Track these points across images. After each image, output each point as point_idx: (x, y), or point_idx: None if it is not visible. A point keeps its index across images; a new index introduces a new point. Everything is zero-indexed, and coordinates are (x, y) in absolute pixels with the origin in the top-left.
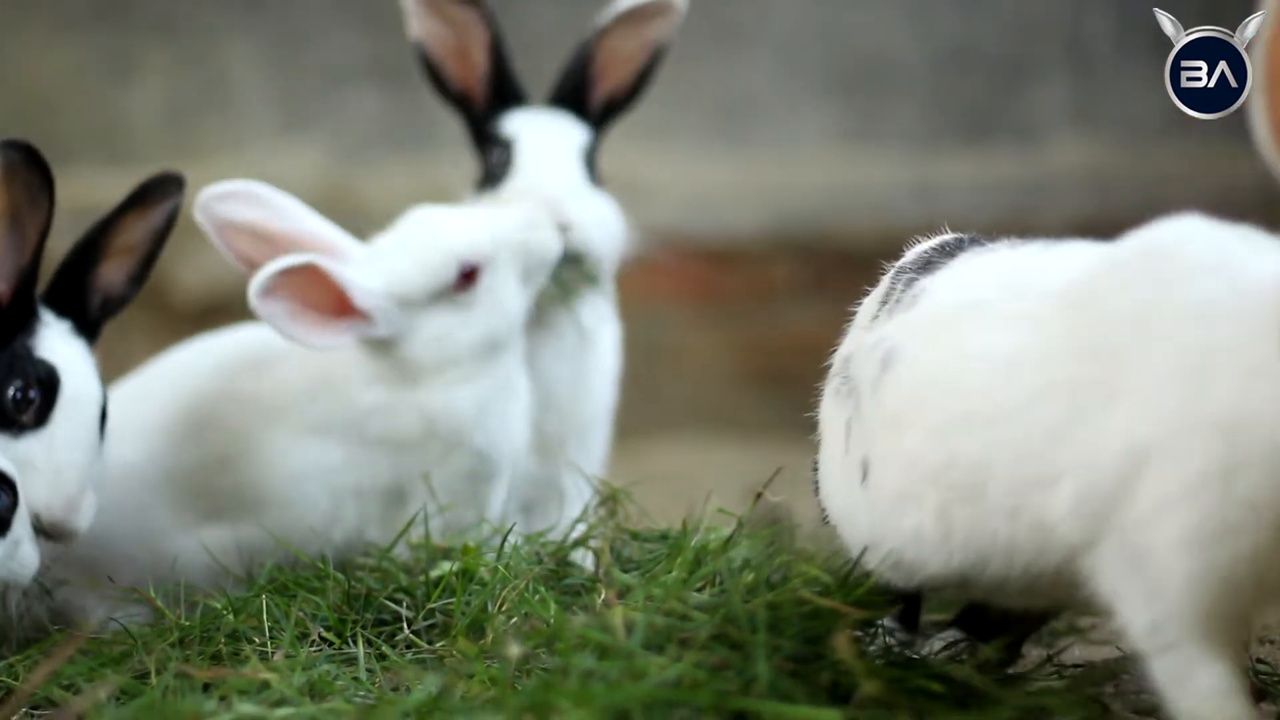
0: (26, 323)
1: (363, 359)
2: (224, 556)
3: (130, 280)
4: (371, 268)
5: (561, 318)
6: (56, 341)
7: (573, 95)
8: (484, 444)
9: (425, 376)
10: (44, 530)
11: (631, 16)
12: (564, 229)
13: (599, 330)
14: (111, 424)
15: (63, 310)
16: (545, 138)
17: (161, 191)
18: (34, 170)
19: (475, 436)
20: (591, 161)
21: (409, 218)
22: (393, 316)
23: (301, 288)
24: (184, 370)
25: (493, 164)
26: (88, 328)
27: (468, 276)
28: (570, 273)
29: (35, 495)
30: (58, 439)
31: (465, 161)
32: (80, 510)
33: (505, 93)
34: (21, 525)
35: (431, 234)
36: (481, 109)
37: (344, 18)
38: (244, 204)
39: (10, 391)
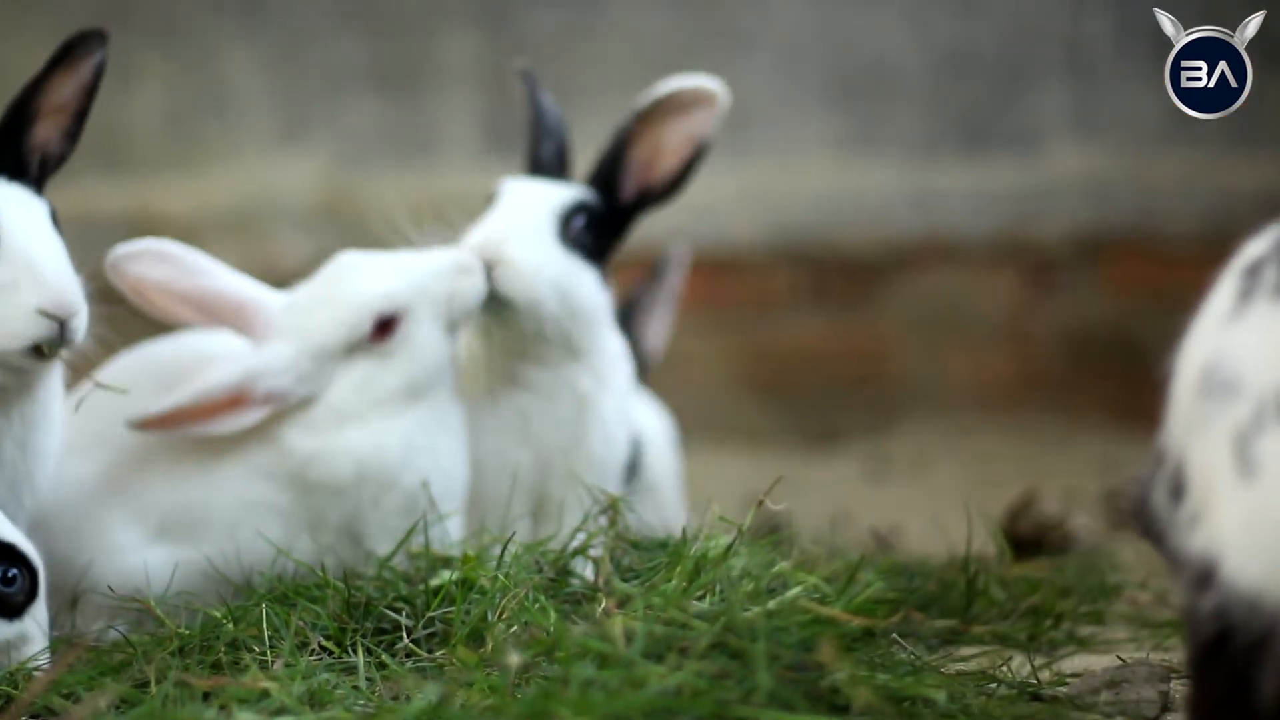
0: None
1: (295, 408)
2: (174, 577)
3: (65, 137)
4: (284, 328)
5: (555, 383)
6: None
7: (606, 178)
8: (413, 483)
9: (351, 421)
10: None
11: (672, 104)
12: (491, 265)
13: (598, 395)
14: (66, 435)
15: (2, 172)
16: (523, 193)
17: (85, 48)
18: None
19: (404, 476)
20: (577, 227)
21: (330, 266)
22: (307, 377)
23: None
24: (126, 381)
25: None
26: (30, 187)
27: (384, 327)
28: (494, 318)
29: (29, 301)
30: (15, 250)
31: (463, 168)
32: (74, 287)
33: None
34: (35, 621)
35: (347, 286)
36: None
37: (344, 24)
38: (154, 262)
39: None
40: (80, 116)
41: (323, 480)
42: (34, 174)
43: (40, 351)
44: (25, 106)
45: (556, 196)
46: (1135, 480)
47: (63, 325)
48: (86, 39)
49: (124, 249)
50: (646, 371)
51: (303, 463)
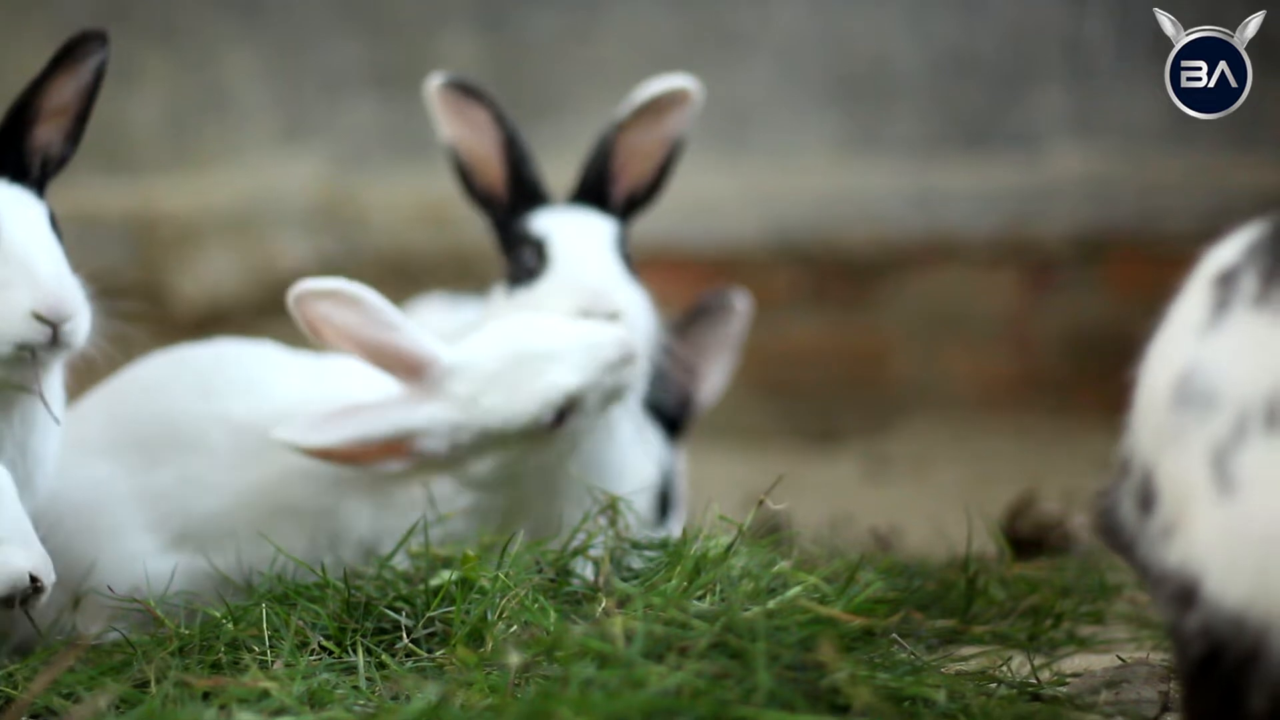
0: None
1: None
2: (191, 584)
3: (67, 139)
4: (456, 395)
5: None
6: None
7: (595, 191)
8: None
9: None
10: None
11: (648, 109)
12: (613, 316)
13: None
14: (83, 432)
15: (3, 174)
16: (578, 232)
17: (85, 49)
18: None
19: None
20: (625, 253)
21: (508, 330)
22: (463, 447)
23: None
24: (162, 383)
25: (525, 263)
26: (31, 189)
27: (559, 420)
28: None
29: (22, 302)
30: (11, 250)
31: None
32: (70, 291)
33: (526, 192)
34: (11, 524)
35: (533, 374)
36: (503, 210)
37: (343, 26)
38: (341, 306)
39: None
40: (81, 118)
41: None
42: (35, 176)
43: (31, 354)
44: (26, 108)
45: (604, 231)
46: (1099, 491)
47: (55, 329)
48: (86, 40)
49: (313, 285)
50: (689, 421)
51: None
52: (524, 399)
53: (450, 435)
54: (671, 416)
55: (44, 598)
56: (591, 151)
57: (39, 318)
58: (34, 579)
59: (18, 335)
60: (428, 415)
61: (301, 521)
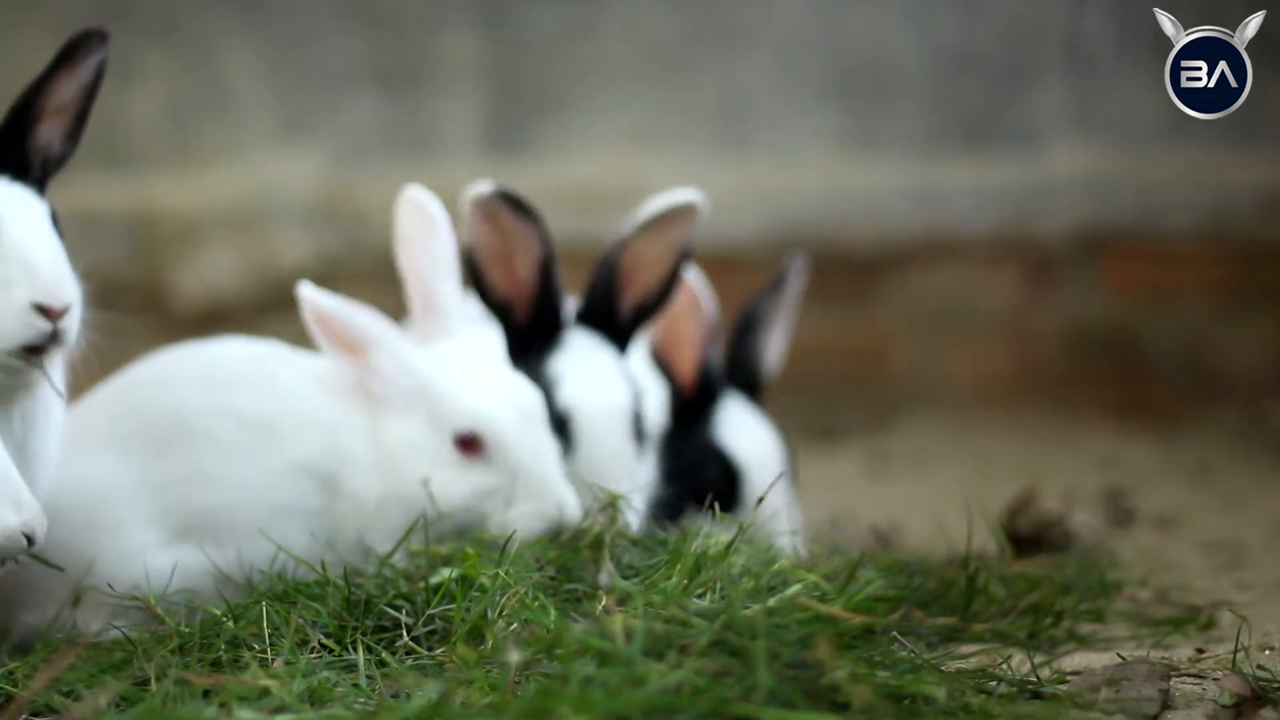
0: None
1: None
2: (191, 579)
3: (67, 138)
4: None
5: None
6: None
7: (602, 306)
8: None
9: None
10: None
11: (654, 224)
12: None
13: None
14: (87, 428)
15: (4, 172)
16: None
17: (86, 48)
18: None
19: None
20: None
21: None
22: (405, 407)
23: None
24: (169, 377)
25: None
26: (32, 188)
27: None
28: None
29: (22, 296)
30: (11, 246)
31: (463, 167)
32: (68, 282)
33: (548, 317)
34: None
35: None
36: (521, 324)
37: (344, 22)
38: None
39: None
40: (82, 117)
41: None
42: (37, 174)
43: (35, 351)
44: (28, 108)
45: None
46: None
47: (56, 325)
48: (87, 39)
49: None
50: (761, 389)
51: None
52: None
53: (405, 393)
54: (749, 382)
55: (37, 546)
56: (598, 266)
57: (39, 308)
58: (28, 537)
59: (22, 332)
60: (406, 364)
61: (305, 518)
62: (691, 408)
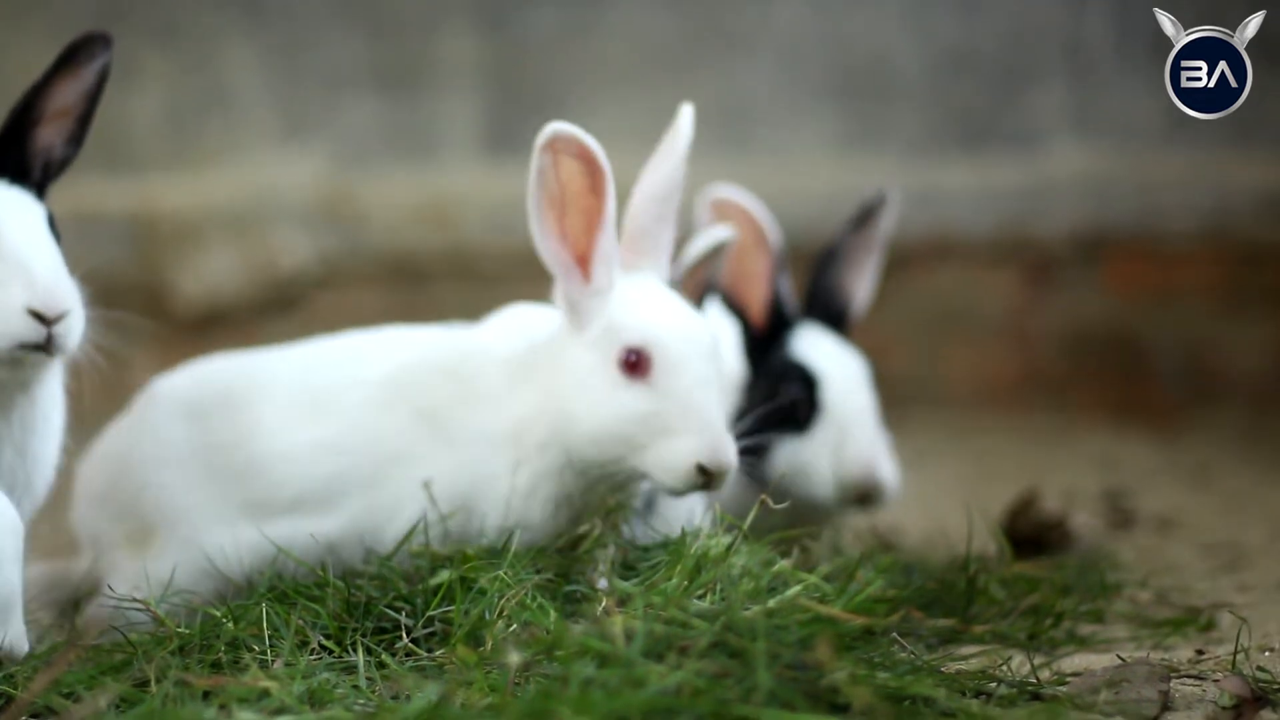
0: None
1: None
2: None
3: (69, 141)
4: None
5: None
6: None
7: None
8: None
9: None
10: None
11: (697, 265)
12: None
13: None
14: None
15: (4, 175)
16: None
17: (89, 51)
18: None
19: None
20: None
21: None
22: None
23: None
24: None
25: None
26: (32, 191)
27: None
28: None
29: (17, 299)
30: (8, 249)
31: (463, 168)
32: (65, 289)
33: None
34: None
35: None
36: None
37: (344, 24)
38: None
39: None
40: (84, 120)
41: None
42: (37, 177)
43: (33, 349)
44: (29, 110)
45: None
46: None
47: (50, 330)
48: (91, 42)
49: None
50: (847, 323)
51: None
52: None
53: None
54: (832, 317)
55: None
56: None
57: (34, 314)
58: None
59: (15, 333)
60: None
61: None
62: (765, 342)
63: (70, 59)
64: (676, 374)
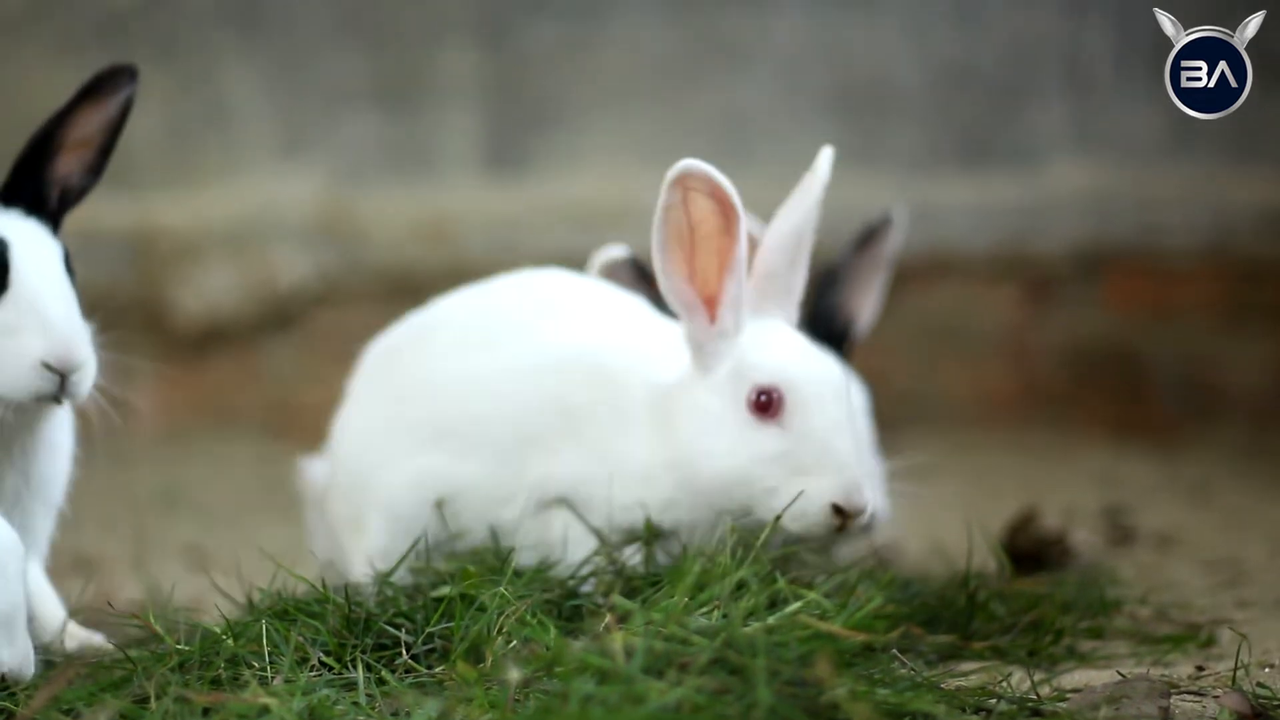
0: None
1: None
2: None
3: (88, 171)
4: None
5: None
6: (4, 222)
7: None
8: None
9: None
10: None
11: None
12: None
13: None
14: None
15: (18, 200)
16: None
17: (114, 83)
18: None
19: None
20: None
21: None
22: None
23: None
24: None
25: None
26: (47, 221)
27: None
28: None
29: (33, 350)
30: (25, 293)
31: (463, 184)
32: (81, 341)
33: None
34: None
35: None
36: None
37: (344, 41)
38: None
39: None
40: (105, 151)
41: None
42: (53, 207)
43: (46, 399)
44: (49, 139)
45: None
46: None
47: (64, 378)
48: (116, 74)
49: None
50: (848, 344)
51: None
52: None
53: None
54: (832, 338)
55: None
56: None
57: (49, 367)
58: (3, 678)
59: (30, 386)
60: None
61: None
62: None
63: (95, 89)
64: (809, 413)
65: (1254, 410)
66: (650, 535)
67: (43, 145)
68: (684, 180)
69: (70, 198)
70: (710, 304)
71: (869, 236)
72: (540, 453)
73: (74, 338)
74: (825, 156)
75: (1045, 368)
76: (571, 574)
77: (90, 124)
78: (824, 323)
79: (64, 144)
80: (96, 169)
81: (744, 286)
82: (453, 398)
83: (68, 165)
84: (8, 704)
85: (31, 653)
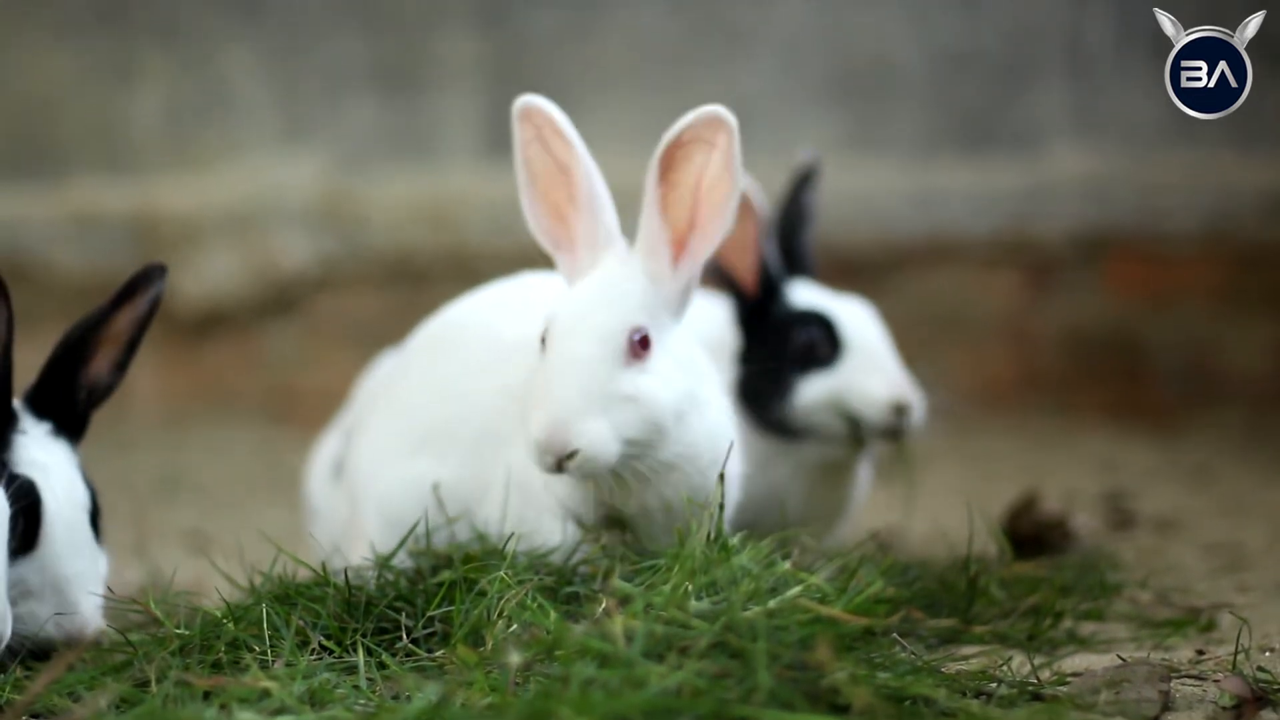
0: (2, 434)
1: None
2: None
3: (115, 368)
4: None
5: None
6: (36, 451)
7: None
8: None
9: None
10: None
11: None
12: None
13: None
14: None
15: (47, 408)
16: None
17: (147, 283)
18: None
19: None
20: None
21: None
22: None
23: None
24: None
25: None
26: (74, 422)
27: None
28: None
29: (40, 615)
30: (49, 557)
31: (463, 169)
32: (96, 616)
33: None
34: None
35: None
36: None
37: (344, 24)
38: None
39: None
40: (132, 346)
41: None
42: (81, 409)
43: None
44: (84, 343)
45: None
46: None
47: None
48: (149, 275)
49: None
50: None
51: None
52: None
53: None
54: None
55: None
56: None
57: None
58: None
59: (40, 639)
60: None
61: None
62: (759, 304)
63: (130, 292)
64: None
65: (1254, 395)
66: (617, 519)
67: (77, 348)
68: (529, 115)
69: (97, 396)
70: (572, 242)
71: (810, 177)
72: (503, 445)
73: (93, 617)
74: None
75: (1046, 352)
76: (566, 557)
77: (122, 322)
78: (804, 262)
79: (98, 346)
80: (123, 365)
81: (601, 224)
82: (427, 403)
83: (99, 366)
84: (8, 689)
85: (9, 613)
